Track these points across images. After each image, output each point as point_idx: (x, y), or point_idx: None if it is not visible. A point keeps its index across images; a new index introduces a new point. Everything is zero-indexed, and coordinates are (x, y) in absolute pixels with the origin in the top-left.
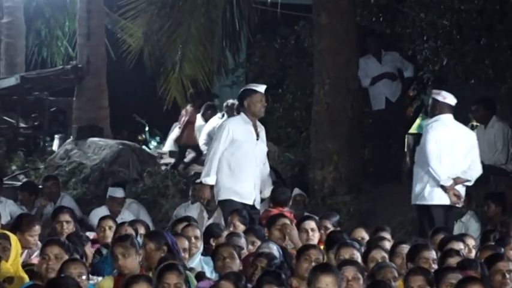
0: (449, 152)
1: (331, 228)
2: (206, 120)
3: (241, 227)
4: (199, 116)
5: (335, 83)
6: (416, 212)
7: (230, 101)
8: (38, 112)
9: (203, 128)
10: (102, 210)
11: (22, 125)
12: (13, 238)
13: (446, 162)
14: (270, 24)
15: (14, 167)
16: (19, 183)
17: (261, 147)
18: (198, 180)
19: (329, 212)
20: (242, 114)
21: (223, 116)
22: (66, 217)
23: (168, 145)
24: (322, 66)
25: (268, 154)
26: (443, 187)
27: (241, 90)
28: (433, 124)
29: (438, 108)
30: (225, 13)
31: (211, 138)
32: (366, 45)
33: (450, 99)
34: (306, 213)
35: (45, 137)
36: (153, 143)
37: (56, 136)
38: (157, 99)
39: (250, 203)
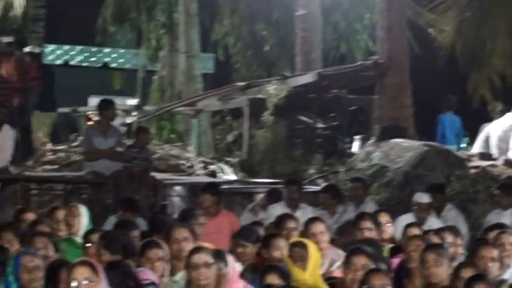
0: None
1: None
2: None
3: None
4: None
5: None
6: None
7: None
8: (337, 111)
9: None
10: (407, 218)
11: (320, 125)
12: (311, 246)
13: None
14: None
15: (311, 170)
16: (317, 188)
17: None
18: None
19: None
20: None
21: None
22: (368, 224)
23: (477, 147)
24: None
25: None
26: None
27: None
28: None
29: None
30: None
31: None
32: None
33: None
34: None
35: (344, 138)
36: (462, 145)
37: (356, 137)
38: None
39: None
